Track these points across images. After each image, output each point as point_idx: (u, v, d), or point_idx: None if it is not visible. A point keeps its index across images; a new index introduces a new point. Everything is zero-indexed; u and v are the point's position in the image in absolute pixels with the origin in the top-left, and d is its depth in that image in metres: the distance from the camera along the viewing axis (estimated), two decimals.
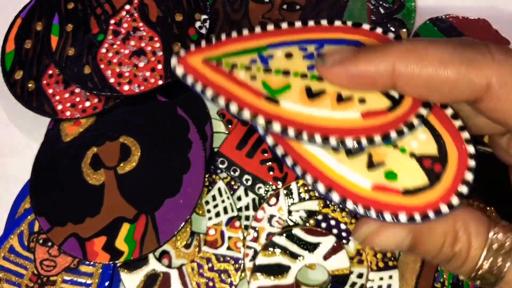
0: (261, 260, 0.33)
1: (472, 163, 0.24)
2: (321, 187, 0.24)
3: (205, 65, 0.25)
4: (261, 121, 0.24)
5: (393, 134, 0.24)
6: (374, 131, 0.24)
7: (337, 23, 0.26)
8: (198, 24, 0.38)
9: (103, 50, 0.38)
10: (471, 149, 0.24)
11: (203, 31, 0.38)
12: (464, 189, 0.23)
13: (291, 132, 0.24)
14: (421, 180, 0.24)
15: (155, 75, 0.37)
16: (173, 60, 0.25)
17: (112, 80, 0.36)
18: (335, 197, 0.24)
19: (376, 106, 0.25)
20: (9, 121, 0.40)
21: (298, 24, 0.26)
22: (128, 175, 0.35)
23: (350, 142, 0.24)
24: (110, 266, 0.35)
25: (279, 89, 0.25)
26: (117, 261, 0.33)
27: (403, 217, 0.23)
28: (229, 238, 0.34)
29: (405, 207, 0.23)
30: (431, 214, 0.23)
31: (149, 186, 0.35)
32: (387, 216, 0.23)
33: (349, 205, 0.24)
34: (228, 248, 0.34)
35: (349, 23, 0.26)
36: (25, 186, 0.37)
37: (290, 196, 0.35)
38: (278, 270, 0.33)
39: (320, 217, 0.34)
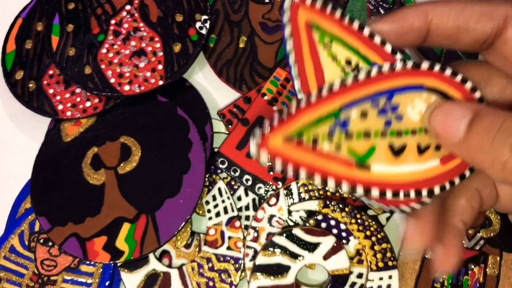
0: (261, 260, 0.33)
1: None
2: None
3: (287, 144, 0.25)
4: (360, 191, 0.25)
5: (467, 173, 0.27)
6: (453, 174, 0.27)
7: (398, 66, 0.26)
8: (198, 24, 0.38)
9: (104, 51, 0.38)
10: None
11: (204, 31, 0.38)
12: None
13: (388, 194, 0.26)
14: None
15: (156, 76, 0.37)
16: (253, 147, 0.24)
17: (112, 80, 0.37)
18: (437, 189, 0.26)
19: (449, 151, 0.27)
20: (10, 121, 0.40)
21: (362, 76, 0.26)
22: (128, 175, 0.35)
23: (438, 190, 0.26)
24: (110, 266, 0.35)
25: (367, 153, 0.26)
26: (117, 261, 0.33)
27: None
28: (229, 238, 0.34)
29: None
30: None
31: (150, 186, 0.35)
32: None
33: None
34: (228, 248, 0.34)
35: (409, 65, 0.27)
36: (25, 186, 0.37)
37: (290, 196, 0.35)
38: (278, 270, 0.33)
39: (320, 217, 0.34)
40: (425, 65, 0.27)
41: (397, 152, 0.27)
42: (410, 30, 0.27)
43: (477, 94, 0.27)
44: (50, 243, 0.35)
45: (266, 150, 0.25)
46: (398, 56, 0.27)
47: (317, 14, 0.27)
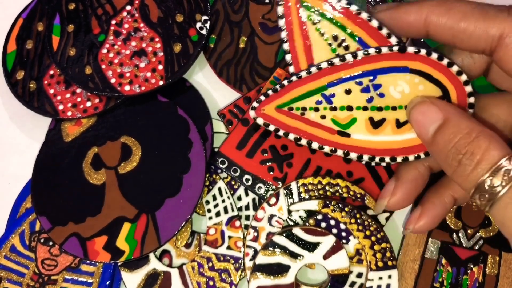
0: (261, 259, 0.33)
1: (471, 99, 0.29)
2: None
3: (279, 112, 0.30)
4: (339, 153, 0.30)
5: None
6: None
7: (384, 50, 0.29)
8: (198, 24, 0.38)
9: (104, 51, 0.38)
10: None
11: (204, 31, 0.38)
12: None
13: (365, 157, 0.30)
14: None
15: (156, 76, 0.37)
16: (252, 113, 0.31)
17: (113, 81, 0.37)
18: (411, 157, 0.30)
19: None
20: (11, 121, 0.40)
21: (348, 57, 0.29)
22: (129, 175, 0.35)
23: (412, 158, 0.30)
24: (111, 265, 0.35)
25: (348, 123, 0.30)
26: (118, 261, 0.33)
27: None
28: (229, 237, 0.35)
29: None
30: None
31: (150, 186, 0.35)
32: None
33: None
34: (228, 248, 0.34)
35: (395, 49, 0.28)
36: (26, 185, 0.37)
37: (290, 196, 0.35)
38: (278, 269, 0.33)
39: (320, 217, 0.34)
40: (411, 49, 0.28)
41: (377, 124, 0.30)
42: (410, 27, 0.28)
43: (463, 77, 0.29)
44: (51, 243, 0.35)
45: (261, 116, 0.30)
46: (384, 31, 0.29)
47: None
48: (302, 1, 0.30)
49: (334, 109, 0.30)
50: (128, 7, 0.39)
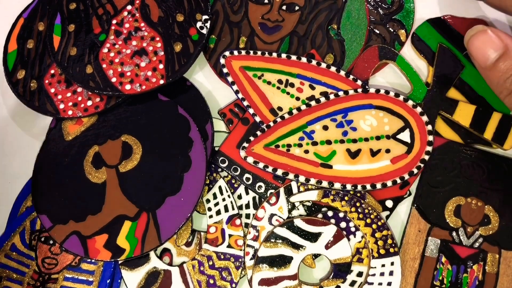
0: (264, 251, 0.33)
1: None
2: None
3: (267, 150, 0.34)
4: (325, 184, 0.33)
5: (415, 170, 0.33)
6: (403, 171, 0.33)
7: (351, 92, 0.35)
8: (199, 24, 0.38)
9: (105, 50, 0.38)
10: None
11: (204, 31, 0.38)
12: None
13: (348, 187, 0.33)
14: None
15: (157, 75, 0.37)
16: (242, 153, 0.34)
17: (114, 80, 0.37)
18: (389, 183, 0.33)
19: (398, 153, 0.34)
20: (12, 120, 0.40)
21: (322, 99, 0.35)
22: (129, 174, 0.35)
23: (390, 183, 0.33)
24: (111, 264, 0.35)
25: (328, 156, 0.34)
26: (118, 259, 0.33)
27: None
28: (230, 236, 0.35)
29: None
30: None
31: (151, 184, 0.35)
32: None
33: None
34: (229, 246, 0.34)
35: (360, 90, 0.35)
36: (27, 184, 0.37)
37: (290, 195, 0.35)
38: (280, 261, 0.33)
39: (320, 215, 0.34)
40: (372, 90, 0.35)
41: (354, 154, 0.34)
42: None
43: (418, 109, 0.34)
44: (51, 241, 0.35)
45: (251, 155, 0.34)
46: (304, 60, 0.36)
47: (244, 59, 0.37)
48: (244, 66, 0.36)
49: (315, 144, 0.34)
50: (129, 7, 0.39)
